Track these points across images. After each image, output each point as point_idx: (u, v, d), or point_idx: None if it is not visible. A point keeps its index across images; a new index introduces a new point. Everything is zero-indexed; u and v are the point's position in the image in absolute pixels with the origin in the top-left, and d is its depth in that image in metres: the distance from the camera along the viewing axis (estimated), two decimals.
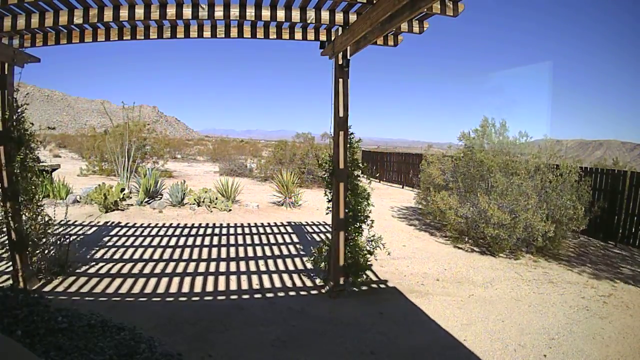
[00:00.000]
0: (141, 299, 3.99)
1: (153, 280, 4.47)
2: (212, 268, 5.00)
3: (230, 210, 8.71)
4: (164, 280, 4.49)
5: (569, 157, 7.75)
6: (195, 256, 5.45)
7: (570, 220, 6.27)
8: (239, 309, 3.82)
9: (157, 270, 4.81)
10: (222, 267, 5.06)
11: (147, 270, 4.78)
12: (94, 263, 4.93)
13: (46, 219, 4.23)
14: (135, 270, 4.76)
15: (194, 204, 8.76)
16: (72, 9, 3.52)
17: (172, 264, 5.06)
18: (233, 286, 4.43)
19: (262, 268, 5.08)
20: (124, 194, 8.74)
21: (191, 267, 4.98)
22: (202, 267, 5.02)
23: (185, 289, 4.29)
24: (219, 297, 4.12)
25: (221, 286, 4.42)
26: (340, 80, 4.04)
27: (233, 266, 5.10)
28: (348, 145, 4.19)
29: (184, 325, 3.42)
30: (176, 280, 4.52)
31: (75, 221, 6.92)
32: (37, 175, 4.24)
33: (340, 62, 4.03)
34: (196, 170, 19.69)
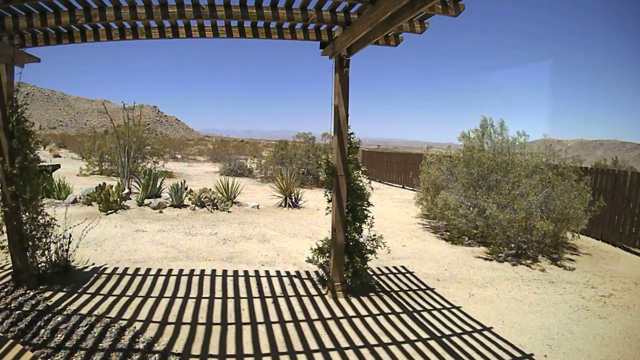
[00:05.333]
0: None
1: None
2: None
3: (230, 211, 8.72)
4: None
5: (570, 156, 7.75)
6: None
7: (569, 220, 6.27)
8: None
9: None
10: None
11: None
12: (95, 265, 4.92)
13: (47, 219, 4.22)
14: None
15: (194, 204, 8.78)
16: (73, 9, 3.52)
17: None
18: None
19: None
20: (124, 194, 8.74)
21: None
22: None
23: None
24: None
25: None
26: (341, 80, 4.04)
27: None
28: (348, 146, 4.19)
29: None
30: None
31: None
32: (37, 175, 4.23)
33: (341, 62, 4.03)
34: (196, 170, 19.68)
